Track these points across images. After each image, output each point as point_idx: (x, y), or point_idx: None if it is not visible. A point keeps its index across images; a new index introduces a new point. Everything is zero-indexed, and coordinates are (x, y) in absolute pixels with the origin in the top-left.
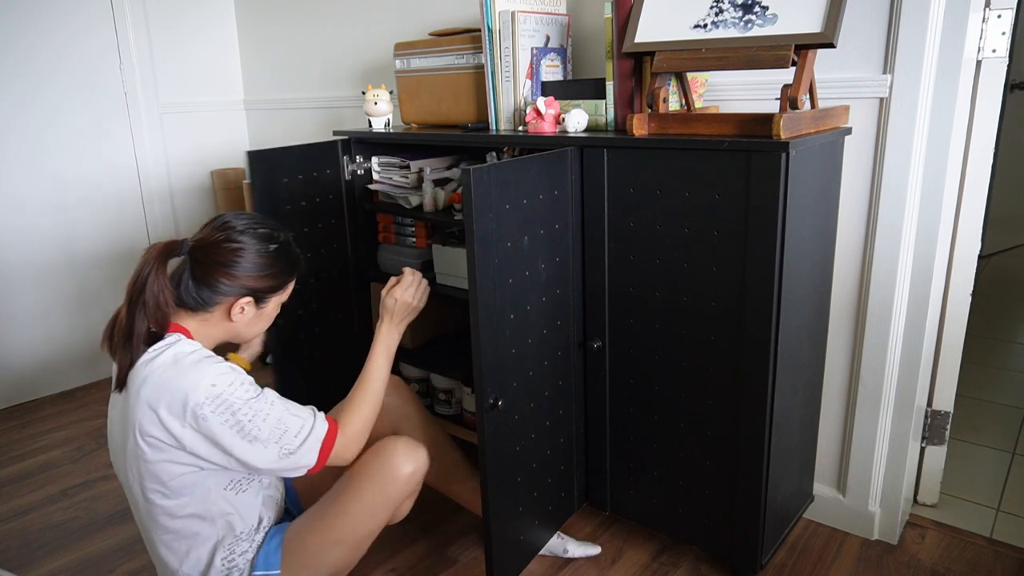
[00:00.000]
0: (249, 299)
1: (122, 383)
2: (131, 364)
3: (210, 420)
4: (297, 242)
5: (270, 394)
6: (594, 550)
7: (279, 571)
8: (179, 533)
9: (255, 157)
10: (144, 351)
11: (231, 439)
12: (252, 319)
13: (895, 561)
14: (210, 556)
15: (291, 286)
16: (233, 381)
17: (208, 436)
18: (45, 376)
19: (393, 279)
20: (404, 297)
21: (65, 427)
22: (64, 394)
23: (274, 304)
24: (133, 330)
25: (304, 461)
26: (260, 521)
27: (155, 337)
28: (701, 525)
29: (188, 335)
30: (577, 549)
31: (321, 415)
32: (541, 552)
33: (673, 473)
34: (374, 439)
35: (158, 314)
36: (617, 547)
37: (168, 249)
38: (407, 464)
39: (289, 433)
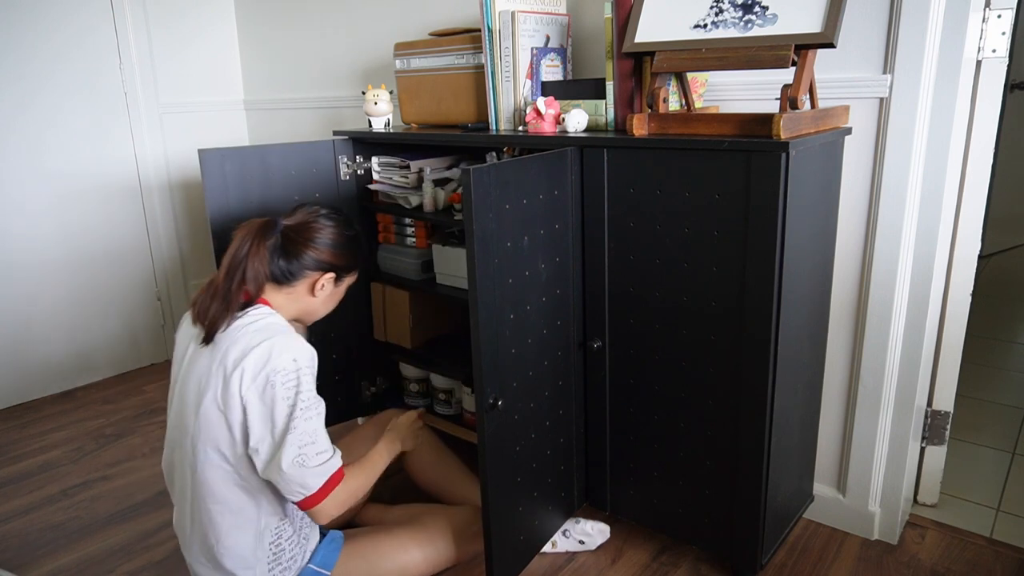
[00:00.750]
0: (331, 275)
1: (210, 338)
2: (225, 325)
3: (277, 389)
4: None
5: (322, 409)
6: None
7: (330, 573)
8: (227, 504)
9: (207, 157)
10: (238, 317)
11: (281, 415)
12: (328, 296)
13: (895, 561)
14: (256, 534)
15: (356, 274)
16: (310, 367)
17: (267, 403)
18: (45, 376)
19: (405, 416)
20: (403, 432)
21: (65, 427)
22: (64, 394)
23: (345, 284)
24: (230, 297)
25: (310, 482)
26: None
27: (245, 305)
28: (701, 525)
29: (271, 307)
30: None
31: (339, 456)
32: (553, 550)
33: (673, 473)
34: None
35: (254, 284)
36: (617, 547)
37: (265, 227)
38: (465, 552)
39: (315, 446)
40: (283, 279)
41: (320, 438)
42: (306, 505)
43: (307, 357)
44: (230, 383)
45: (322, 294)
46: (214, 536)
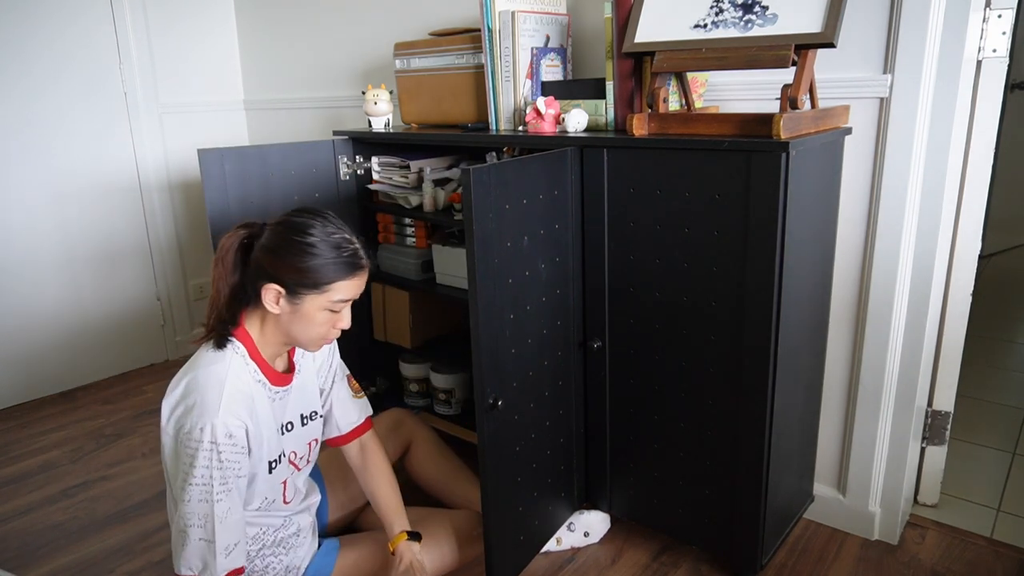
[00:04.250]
0: (276, 287)
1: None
2: (204, 337)
3: (181, 445)
4: None
5: (227, 498)
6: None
7: None
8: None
9: (206, 157)
10: (217, 339)
11: (175, 475)
12: (291, 315)
13: (895, 561)
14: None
15: (335, 292)
16: (226, 445)
17: (174, 451)
18: (45, 376)
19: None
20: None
21: (65, 427)
22: (64, 394)
23: (311, 305)
24: (211, 314)
25: (178, 566)
26: (294, 497)
27: (223, 333)
28: (701, 525)
29: (250, 342)
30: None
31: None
32: (558, 547)
33: (673, 473)
34: (388, 454)
35: (219, 301)
36: (617, 547)
37: (237, 230)
38: (468, 555)
39: (198, 531)
40: (240, 291)
41: (209, 528)
42: None
43: (223, 435)
44: (161, 422)
45: (281, 311)
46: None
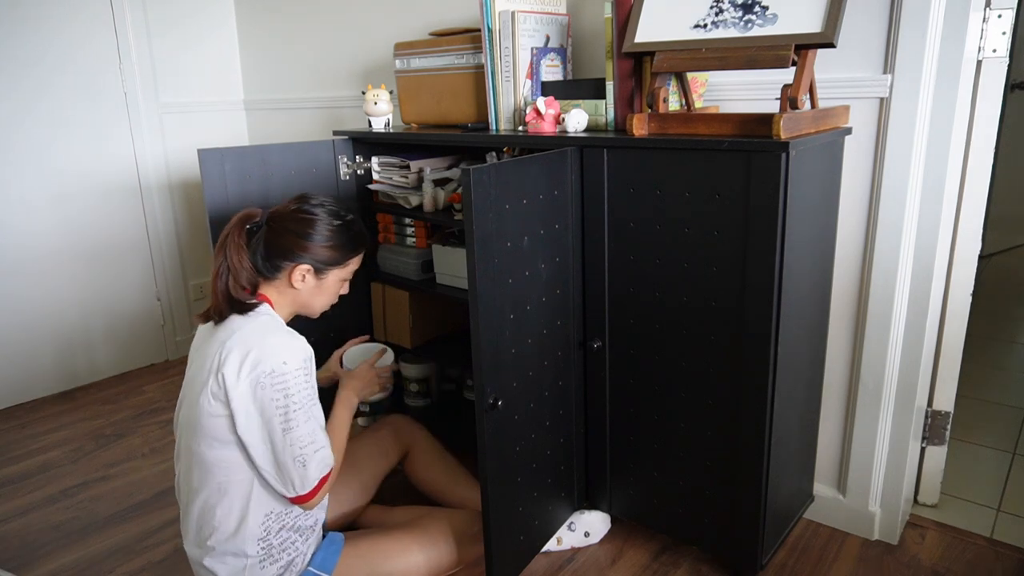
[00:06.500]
0: (306, 266)
1: (217, 319)
2: (225, 314)
3: (267, 391)
4: None
5: (318, 408)
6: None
7: (331, 575)
8: (218, 488)
9: (206, 157)
10: (238, 309)
11: (274, 419)
12: (314, 289)
13: (895, 561)
14: (241, 520)
15: (353, 264)
16: (303, 368)
17: (258, 406)
18: (45, 376)
19: (370, 358)
20: (356, 383)
21: (65, 427)
22: (64, 394)
23: (334, 278)
24: (226, 289)
25: (310, 477)
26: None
27: (245, 301)
28: (701, 525)
29: (271, 304)
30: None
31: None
32: (559, 547)
33: (673, 473)
34: (388, 459)
35: (244, 278)
36: (617, 547)
37: (244, 218)
38: (467, 554)
39: (314, 445)
40: (264, 271)
41: (318, 437)
42: (299, 500)
43: (299, 359)
44: (222, 382)
45: (305, 287)
46: (208, 525)
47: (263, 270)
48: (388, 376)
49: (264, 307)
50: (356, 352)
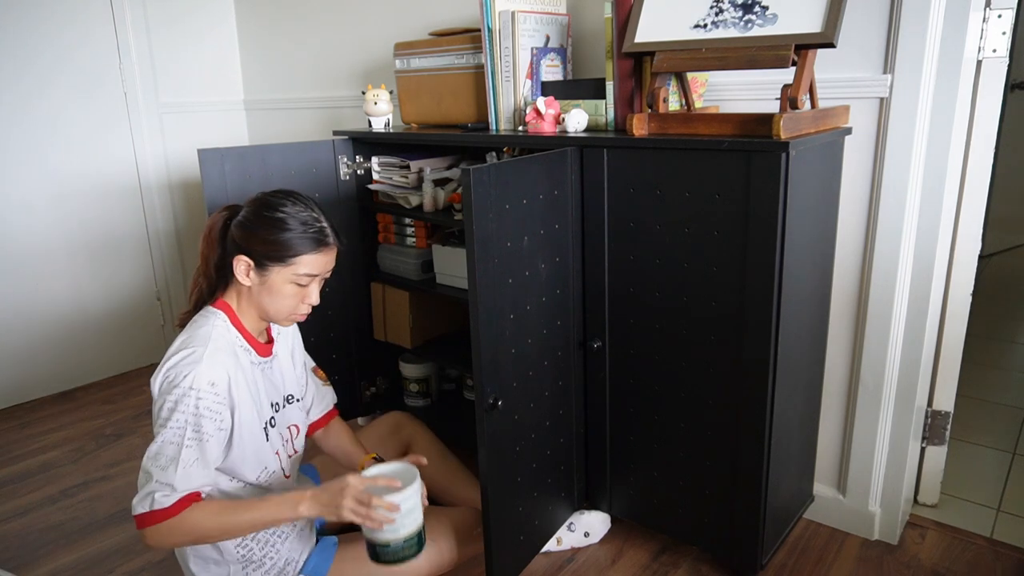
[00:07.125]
0: (246, 259)
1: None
2: (192, 311)
3: (162, 389)
4: None
5: (191, 453)
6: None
7: None
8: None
9: (206, 156)
10: (198, 308)
11: (157, 417)
12: (260, 288)
13: (895, 561)
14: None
15: (302, 267)
16: (208, 394)
17: (156, 402)
18: (45, 376)
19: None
20: (324, 495)
21: (65, 427)
22: (64, 394)
23: (279, 278)
24: (193, 289)
25: (137, 503)
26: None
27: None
28: (701, 525)
29: (231, 313)
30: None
31: (184, 495)
32: (559, 547)
33: (673, 473)
34: (388, 456)
35: (208, 266)
36: (617, 547)
37: (220, 213)
38: (467, 553)
39: (161, 470)
40: (221, 267)
41: (171, 466)
42: (138, 524)
43: (205, 383)
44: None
45: (253, 284)
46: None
47: (218, 264)
48: (388, 515)
49: (213, 317)
50: (384, 470)
